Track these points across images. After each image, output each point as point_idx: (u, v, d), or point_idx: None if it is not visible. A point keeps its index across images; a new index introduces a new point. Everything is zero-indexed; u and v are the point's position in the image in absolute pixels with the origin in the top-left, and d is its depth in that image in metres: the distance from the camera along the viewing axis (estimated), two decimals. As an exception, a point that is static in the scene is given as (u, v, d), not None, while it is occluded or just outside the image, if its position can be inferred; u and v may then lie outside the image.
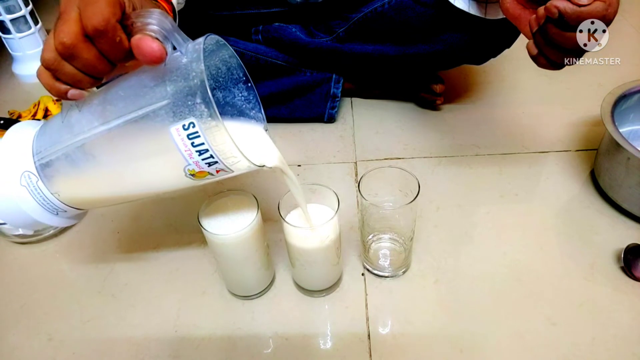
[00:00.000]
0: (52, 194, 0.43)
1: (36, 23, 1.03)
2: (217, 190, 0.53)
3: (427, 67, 0.80)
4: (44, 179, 0.42)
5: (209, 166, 0.38)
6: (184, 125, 0.35)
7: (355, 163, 0.76)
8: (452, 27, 0.68)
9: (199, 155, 0.37)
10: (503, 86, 0.91)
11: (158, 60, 0.34)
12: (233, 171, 0.40)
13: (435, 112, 0.86)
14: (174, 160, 0.37)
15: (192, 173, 0.39)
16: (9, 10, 0.97)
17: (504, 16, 0.61)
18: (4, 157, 0.42)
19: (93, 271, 0.63)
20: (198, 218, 0.50)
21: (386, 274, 0.58)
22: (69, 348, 0.55)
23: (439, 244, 0.62)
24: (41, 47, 1.05)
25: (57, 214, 0.45)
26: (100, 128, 0.38)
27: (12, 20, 0.99)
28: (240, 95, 0.45)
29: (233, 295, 0.58)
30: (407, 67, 0.78)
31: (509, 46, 0.72)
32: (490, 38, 0.69)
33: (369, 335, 0.53)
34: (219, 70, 0.44)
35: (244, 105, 0.46)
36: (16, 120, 0.82)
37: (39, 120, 0.44)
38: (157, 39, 0.34)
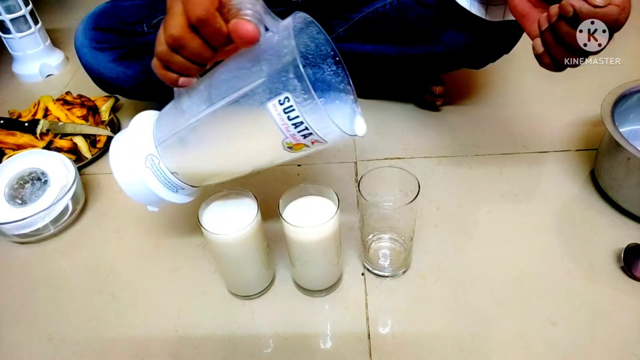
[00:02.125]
0: (172, 173, 0.47)
1: (36, 23, 1.03)
2: (217, 190, 0.53)
3: (427, 68, 0.79)
4: (164, 161, 0.47)
5: (304, 138, 0.40)
6: (279, 101, 0.37)
7: (355, 163, 0.76)
8: (453, 29, 0.68)
9: (295, 127, 0.39)
10: (503, 86, 0.91)
11: (253, 41, 0.36)
12: (327, 141, 0.42)
13: (436, 112, 0.86)
14: (273, 134, 0.40)
15: (289, 145, 0.41)
16: (9, 10, 0.97)
17: (504, 19, 0.61)
18: (132, 143, 0.48)
19: (93, 271, 0.63)
20: (198, 218, 0.50)
21: (386, 274, 0.58)
22: (69, 348, 0.55)
23: (439, 244, 0.62)
24: (41, 46, 1.05)
25: (177, 191, 0.50)
26: (207, 110, 0.41)
27: (12, 20, 0.99)
28: (329, 70, 0.47)
29: (233, 295, 0.58)
30: (407, 68, 0.78)
31: (507, 51, 0.72)
32: (490, 42, 0.69)
33: (369, 335, 0.53)
34: (308, 48, 0.45)
35: (333, 79, 0.47)
36: (16, 120, 0.82)
37: (154, 110, 0.52)
38: (250, 21, 0.36)
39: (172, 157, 0.46)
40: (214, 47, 0.38)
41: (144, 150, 0.47)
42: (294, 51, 0.36)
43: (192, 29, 0.36)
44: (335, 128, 0.39)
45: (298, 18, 0.39)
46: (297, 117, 0.38)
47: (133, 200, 0.49)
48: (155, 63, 0.39)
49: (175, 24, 0.36)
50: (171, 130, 0.45)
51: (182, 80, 0.39)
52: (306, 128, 0.39)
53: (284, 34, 0.37)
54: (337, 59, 0.46)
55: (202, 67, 0.39)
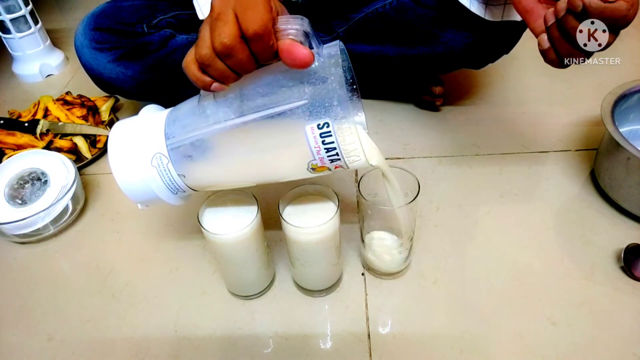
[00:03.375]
0: (178, 175, 0.46)
1: (36, 23, 1.03)
2: (217, 190, 0.53)
3: (427, 69, 0.80)
4: (174, 162, 0.45)
5: (331, 162, 0.42)
6: (318, 125, 0.39)
7: (355, 163, 0.76)
8: (452, 30, 0.68)
9: (327, 152, 0.40)
10: (503, 86, 0.91)
11: (306, 65, 0.36)
12: (349, 168, 0.43)
13: (435, 112, 0.86)
14: (301, 154, 0.41)
15: (313, 167, 0.42)
16: (9, 10, 0.97)
17: (503, 19, 0.61)
18: (139, 138, 0.45)
19: (93, 271, 0.63)
20: (198, 218, 0.50)
21: (386, 274, 0.58)
22: (69, 348, 0.55)
23: (439, 244, 0.62)
24: (41, 46, 1.05)
25: (176, 193, 0.48)
26: (235, 120, 0.41)
27: (12, 20, 0.99)
28: None
29: (233, 295, 0.58)
30: (407, 68, 0.78)
31: (507, 52, 0.72)
32: (489, 42, 0.69)
33: (369, 335, 0.53)
34: None
35: None
36: (16, 120, 0.82)
37: (159, 105, 0.50)
38: (303, 44, 0.36)
39: (184, 160, 0.45)
40: (259, 61, 0.38)
41: (152, 148, 0.45)
42: (342, 81, 0.37)
43: (244, 40, 0.36)
44: (363, 157, 0.41)
45: (339, 45, 0.40)
46: (332, 142, 0.39)
47: (127, 196, 0.47)
48: (190, 64, 0.38)
49: (228, 32, 0.35)
50: (189, 132, 0.43)
51: (215, 85, 0.39)
52: (337, 154, 0.40)
53: (331, 62, 0.38)
54: (355, 87, 0.47)
55: (239, 77, 0.39)
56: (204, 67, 0.38)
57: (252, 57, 0.37)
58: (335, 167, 0.42)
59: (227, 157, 0.44)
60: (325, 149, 0.40)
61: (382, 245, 0.58)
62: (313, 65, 0.38)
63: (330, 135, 0.39)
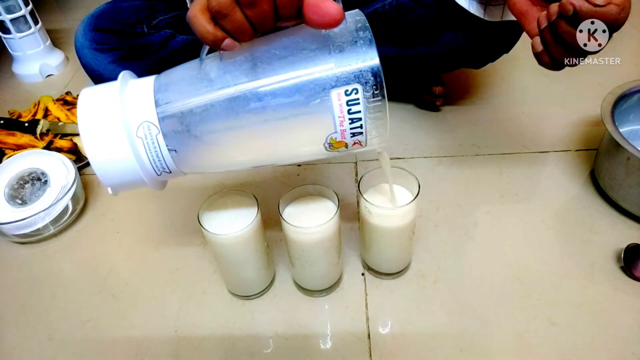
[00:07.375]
0: (169, 150, 0.39)
1: (36, 23, 1.03)
2: (217, 189, 0.53)
3: (426, 69, 0.80)
4: (164, 133, 0.39)
5: (352, 136, 0.39)
6: (346, 91, 0.36)
7: (355, 163, 0.76)
8: (452, 30, 0.68)
9: (350, 123, 0.37)
10: (503, 86, 0.91)
11: (335, 24, 0.33)
12: (366, 146, 0.40)
13: (436, 112, 0.86)
14: (322, 125, 0.38)
15: (331, 142, 0.39)
16: (9, 10, 0.97)
17: (502, 19, 0.61)
18: (121, 104, 0.39)
19: (93, 271, 0.63)
20: (198, 218, 0.50)
21: (386, 274, 0.58)
22: (69, 348, 0.55)
23: (439, 244, 0.62)
24: (41, 46, 1.05)
25: (160, 174, 0.42)
26: (248, 84, 0.37)
27: (12, 20, 0.99)
28: None
29: (233, 295, 0.58)
30: (406, 68, 0.78)
31: (507, 51, 0.72)
32: (489, 42, 0.69)
33: (369, 335, 0.53)
34: None
35: None
36: (16, 120, 0.82)
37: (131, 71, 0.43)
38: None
39: (179, 131, 0.39)
40: (280, 16, 0.33)
41: (138, 116, 0.38)
42: (373, 44, 0.35)
43: None
44: (386, 133, 0.39)
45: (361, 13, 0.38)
46: (359, 112, 0.37)
47: (99, 176, 0.40)
48: (199, 14, 0.33)
49: None
50: (188, 98, 0.38)
51: (227, 42, 0.33)
52: (361, 126, 0.38)
53: (358, 26, 0.36)
54: None
55: (256, 35, 0.34)
56: (218, 18, 0.32)
57: (274, 11, 0.33)
58: (354, 144, 0.39)
59: (234, 128, 0.39)
60: (350, 119, 0.37)
61: (382, 245, 0.58)
62: (338, 29, 0.35)
63: (358, 104, 0.36)
